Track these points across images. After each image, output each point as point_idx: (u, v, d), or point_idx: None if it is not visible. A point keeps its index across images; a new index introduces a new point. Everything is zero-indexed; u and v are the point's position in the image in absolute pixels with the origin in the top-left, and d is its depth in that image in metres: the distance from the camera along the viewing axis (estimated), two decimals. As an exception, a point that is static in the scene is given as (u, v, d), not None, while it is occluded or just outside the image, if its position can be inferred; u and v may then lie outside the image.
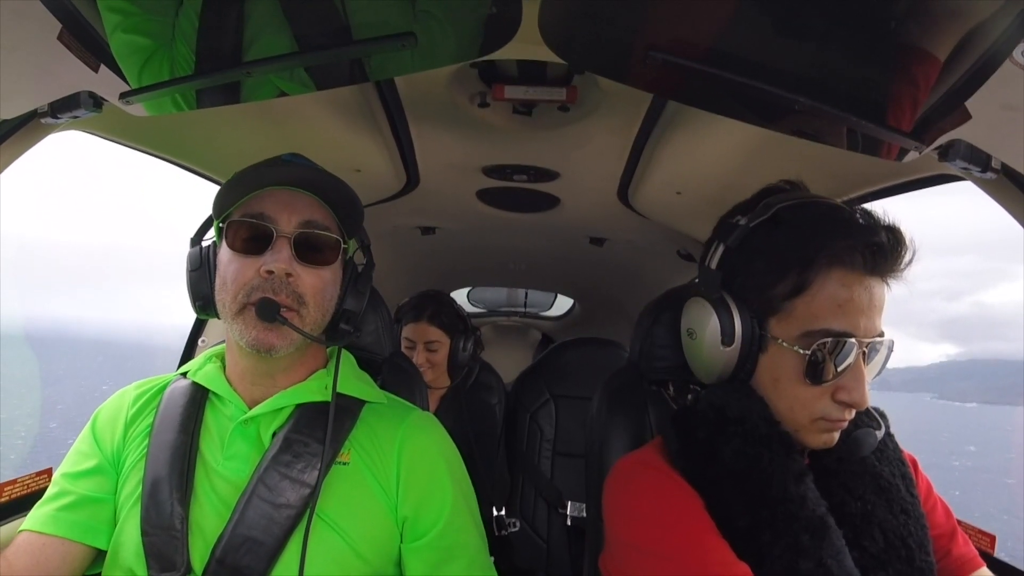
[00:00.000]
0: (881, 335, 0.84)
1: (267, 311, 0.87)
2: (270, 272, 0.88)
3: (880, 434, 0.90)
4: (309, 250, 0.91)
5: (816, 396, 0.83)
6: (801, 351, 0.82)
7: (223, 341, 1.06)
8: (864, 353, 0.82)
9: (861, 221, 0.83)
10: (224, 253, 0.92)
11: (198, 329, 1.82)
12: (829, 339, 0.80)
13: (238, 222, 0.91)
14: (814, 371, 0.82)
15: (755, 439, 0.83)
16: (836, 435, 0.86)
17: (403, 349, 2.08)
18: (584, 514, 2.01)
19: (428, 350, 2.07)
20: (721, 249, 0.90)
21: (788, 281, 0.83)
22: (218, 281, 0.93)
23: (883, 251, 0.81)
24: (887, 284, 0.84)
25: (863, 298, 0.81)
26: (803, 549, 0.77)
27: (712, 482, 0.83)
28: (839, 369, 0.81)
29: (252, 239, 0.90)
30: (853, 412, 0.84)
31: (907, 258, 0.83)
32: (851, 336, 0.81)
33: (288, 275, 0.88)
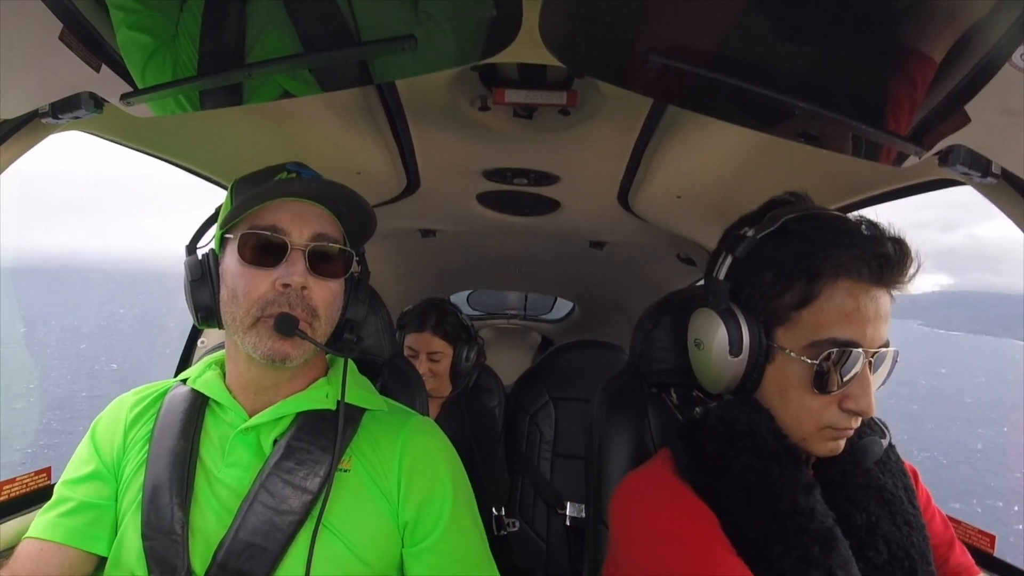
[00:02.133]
0: (886, 345, 0.84)
1: (286, 326, 0.87)
2: (286, 286, 0.87)
3: (885, 443, 0.91)
4: (322, 263, 0.91)
5: (823, 405, 0.84)
6: (808, 360, 0.83)
7: (222, 343, 1.06)
8: (870, 362, 0.83)
9: (867, 232, 0.83)
10: (232, 264, 0.90)
11: (196, 330, 1.82)
12: (836, 348, 0.81)
13: (249, 234, 0.89)
14: (821, 380, 0.82)
15: (764, 453, 0.84)
16: (842, 443, 0.86)
17: (407, 355, 2.08)
18: (583, 515, 2.01)
19: (431, 360, 2.06)
20: (729, 260, 0.90)
21: (795, 291, 0.84)
22: (225, 293, 0.91)
23: (889, 262, 0.82)
24: (891, 295, 0.85)
25: (869, 308, 0.82)
26: (813, 560, 0.78)
27: (723, 495, 0.83)
28: (846, 378, 0.82)
29: (264, 251, 0.89)
30: (859, 420, 0.85)
31: (912, 270, 0.84)
32: (858, 345, 0.81)
33: (303, 288, 0.88)
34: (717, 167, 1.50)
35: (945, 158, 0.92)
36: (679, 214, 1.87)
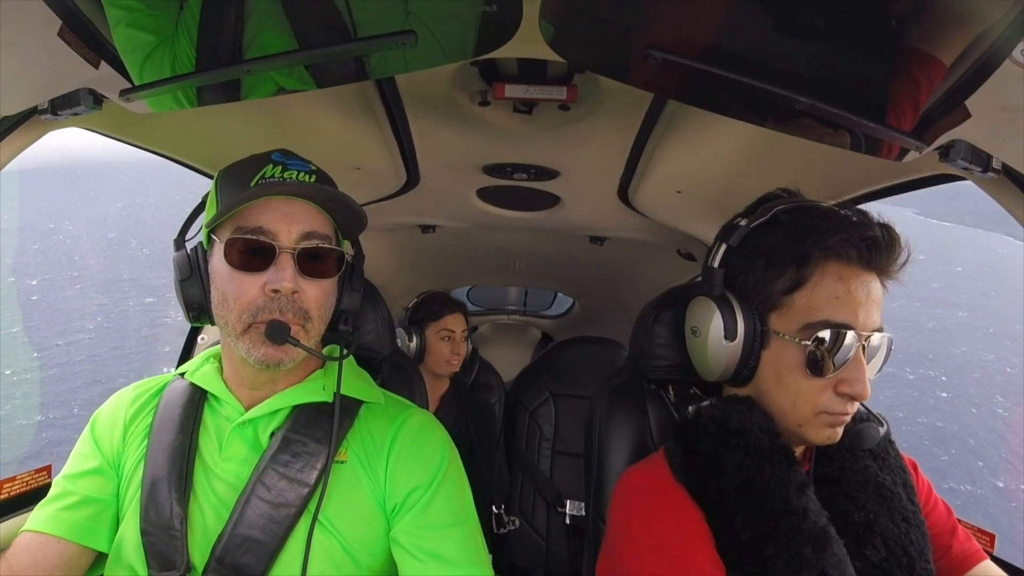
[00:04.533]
0: (880, 329, 0.85)
1: (278, 334, 0.85)
2: (275, 291, 0.86)
3: (883, 431, 0.92)
4: (312, 263, 0.89)
5: (818, 389, 0.84)
6: (802, 343, 0.84)
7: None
8: (864, 346, 0.84)
9: (855, 219, 0.85)
10: (221, 266, 0.88)
11: (196, 327, 1.82)
12: (828, 331, 0.82)
13: (235, 238, 0.87)
14: (815, 363, 0.84)
15: (757, 452, 0.85)
16: (839, 430, 0.87)
17: (442, 342, 2.15)
18: (583, 513, 2.01)
19: (463, 338, 2.19)
20: (723, 249, 0.92)
21: (787, 277, 0.86)
22: (216, 295, 0.90)
23: (877, 245, 0.83)
24: (884, 285, 0.86)
25: (860, 292, 0.83)
26: (805, 560, 0.78)
27: (715, 495, 0.84)
28: (839, 361, 0.83)
29: (252, 255, 0.87)
30: (855, 405, 0.86)
31: (902, 257, 0.86)
32: (850, 328, 0.82)
33: (294, 292, 0.87)
34: (717, 162, 1.49)
35: (946, 153, 0.92)
36: (679, 209, 1.86)
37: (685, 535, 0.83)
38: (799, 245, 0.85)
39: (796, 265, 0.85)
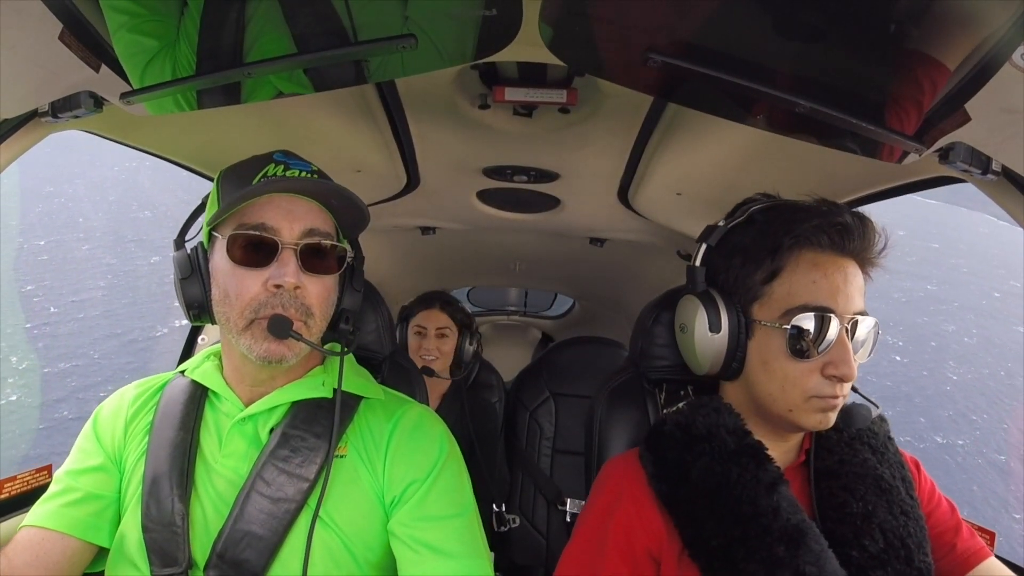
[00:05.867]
0: (863, 313, 0.87)
1: (280, 329, 0.85)
2: (278, 286, 0.86)
3: (876, 412, 0.93)
4: (314, 260, 0.89)
5: (805, 373, 0.86)
6: (783, 328, 0.86)
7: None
8: (847, 329, 0.85)
9: (825, 208, 0.88)
10: (222, 263, 0.89)
11: (196, 328, 1.82)
12: (808, 314, 0.84)
13: (237, 234, 0.87)
14: (797, 345, 0.85)
15: (723, 455, 0.86)
16: (831, 415, 0.88)
17: (413, 337, 2.14)
18: None
19: (439, 336, 2.13)
20: (703, 249, 0.96)
21: (764, 269, 0.88)
22: (217, 292, 0.90)
23: (848, 230, 0.85)
24: (867, 275, 0.89)
25: (837, 277, 0.86)
26: (778, 561, 0.79)
27: (685, 503, 0.85)
28: (822, 343, 0.84)
29: (254, 251, 0.87)
30: (846, 388, 0.87)
31: (879, 244, 0.88)
32: (830, 311, 0.84)
33: (296, 288, 0.87)
34: (717, 164, 1.49)
35: (945, 155, 0.92)
36: (679, 211, 1.86)
37: (620, 548, 0.86)
38: (772, 238, 0.88)
39: (771, 257, 0.87)
